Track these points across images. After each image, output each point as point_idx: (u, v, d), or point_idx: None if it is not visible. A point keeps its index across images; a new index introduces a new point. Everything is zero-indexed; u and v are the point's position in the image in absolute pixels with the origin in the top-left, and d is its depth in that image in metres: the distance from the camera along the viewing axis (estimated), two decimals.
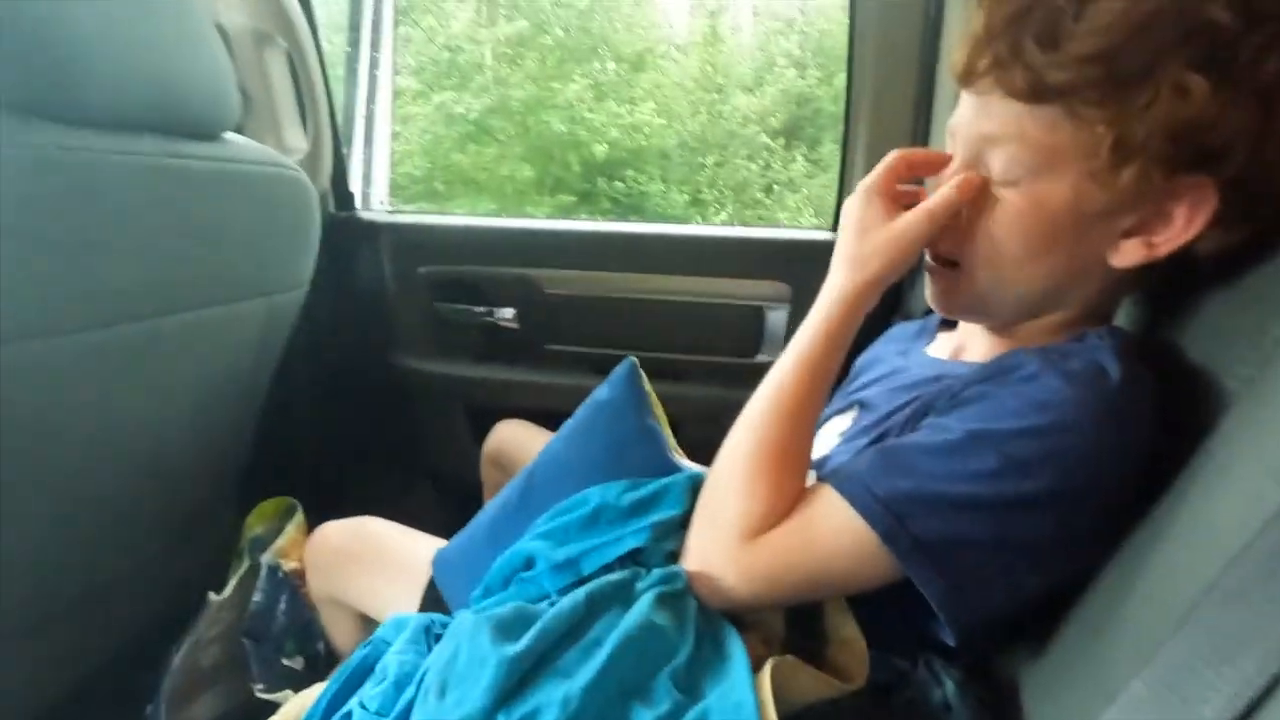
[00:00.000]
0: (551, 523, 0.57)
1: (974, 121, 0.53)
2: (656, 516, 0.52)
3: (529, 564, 0.55)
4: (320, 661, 0.96)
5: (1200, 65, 0.44)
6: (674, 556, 0.53)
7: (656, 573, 0.49)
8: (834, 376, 0.56)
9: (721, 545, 0.50)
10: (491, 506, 0.72)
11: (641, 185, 8.15)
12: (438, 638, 0.53)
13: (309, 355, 1.16)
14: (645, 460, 0.61)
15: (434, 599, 0.77)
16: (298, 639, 0.97)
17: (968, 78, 0.52)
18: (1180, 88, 0.44)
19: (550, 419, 1.19)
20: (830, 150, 6.85)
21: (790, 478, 0.52)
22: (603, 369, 1.49)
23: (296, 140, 1.22)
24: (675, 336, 1.29)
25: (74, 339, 0.61)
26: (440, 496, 1.37)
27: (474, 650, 0.44)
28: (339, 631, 0.94)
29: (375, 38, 1.60)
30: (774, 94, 8.18)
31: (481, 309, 1.32)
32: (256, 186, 0.81)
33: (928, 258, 0.59)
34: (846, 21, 1.16)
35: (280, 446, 1.16)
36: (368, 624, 0.90)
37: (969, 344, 0.66)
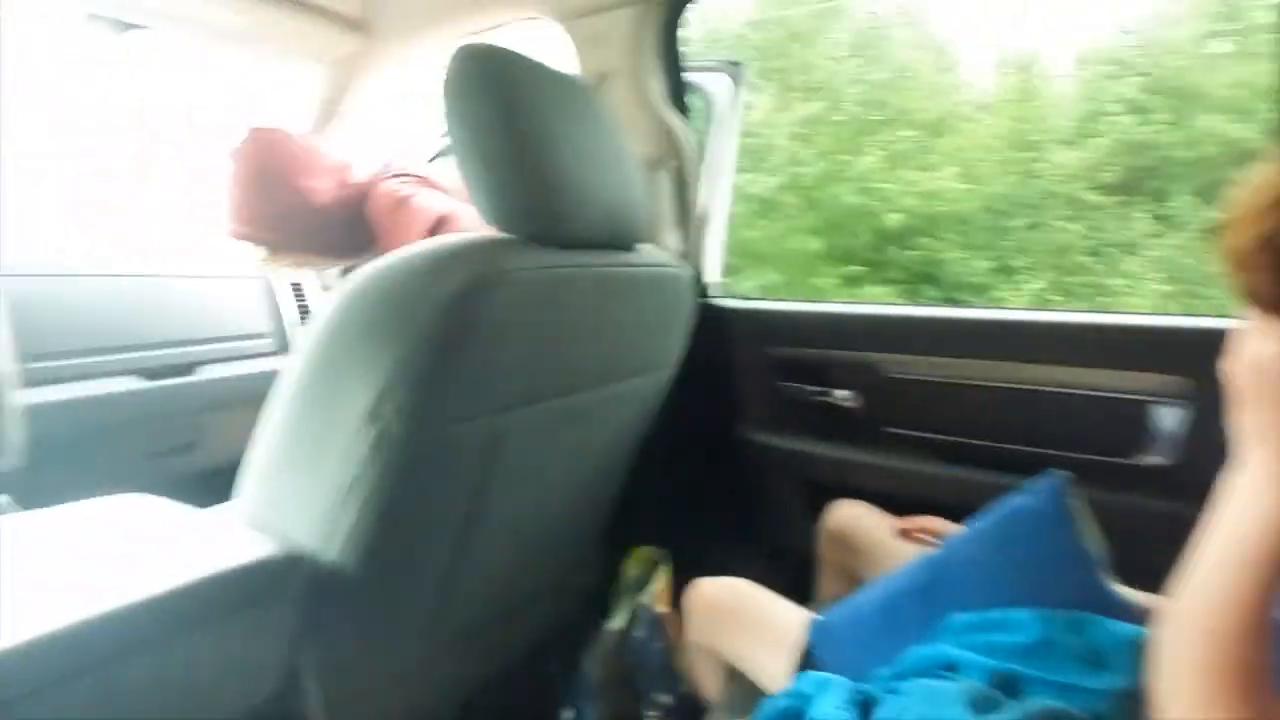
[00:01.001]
0: (979, 635, 0.58)
1: None
2: (1112, 682, 0.50)
3: (950, 666, 0.58)
4: (684, 701, 1.08)
5: None
6: None
7: None
8: None
9: None
10: (883, 589, 0.76)
11: (937, 252, 7.66)
12: (863, 703, 0.59)
13: (667, 423, 1.31)
14: (1078, 587, 0.59)
15: (806, 661, 0.83)
16: (665, 677, 1.10)
17: None
18: None
19: (888, 501, 1.20)
20: (1182, 205, 5.74)
21: (1263, 694, 0.44)
22: (944, 455, 1.46)
23: (673, 240, 1.44)
24: (1033, 428, 1.21)
25: (546, 405, 0.79)
26: (773, 563, 1.43)
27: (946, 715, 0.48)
28: (706, 675, 1.05)
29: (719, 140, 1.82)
30: (1103, 145, 7.12)
31: (821, 389, 1.37)
32: (660, 285, 0.96)
33: None
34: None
35: (640, 501, 1.31)
36: (732, 673, 0.99)
37: None
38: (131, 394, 1.25)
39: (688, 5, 1.07)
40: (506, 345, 0.67)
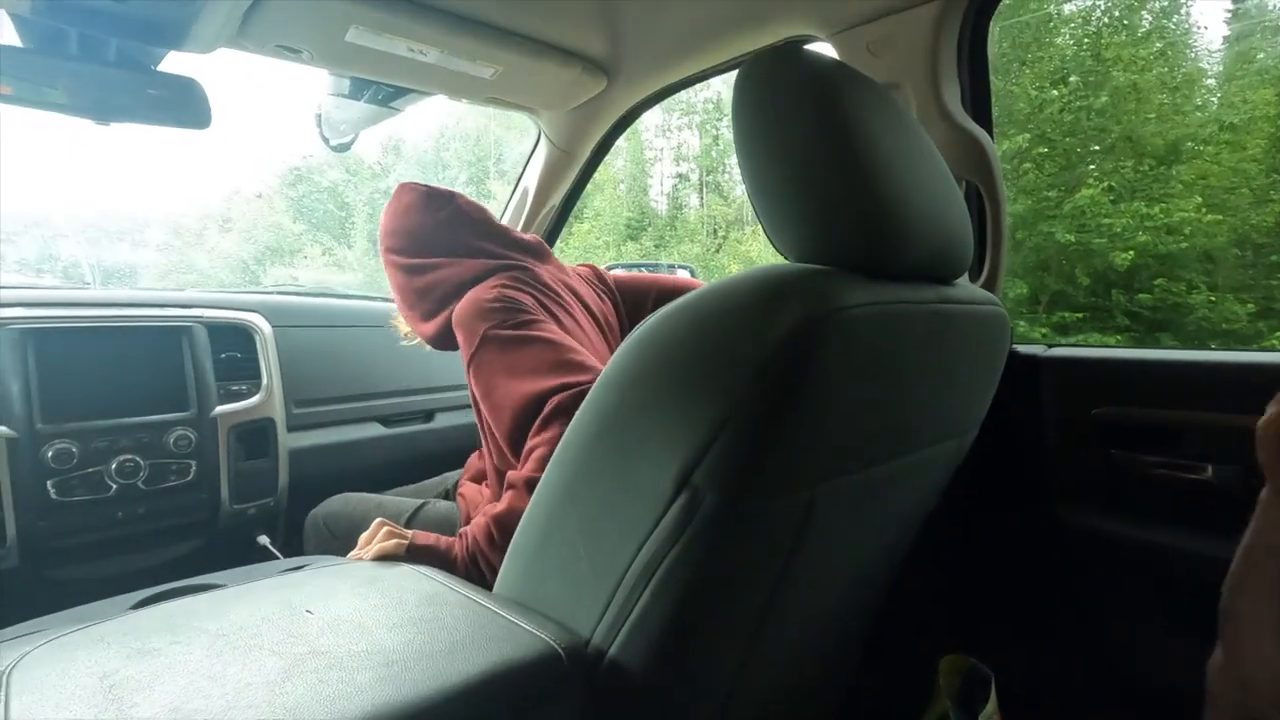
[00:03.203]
0: None
1: None
2: None
3: None
4: None
5: None
6: None
7: None
8: None
9: None
10: None
11: (1177, 295, 6.59)
12: None
13: (962, 499, 1.09)
14: None
15: None
16: None
17: None
18: None
19: None
20: None
21: None
22: None
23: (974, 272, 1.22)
24: None
25: (865, 471, 0.64)
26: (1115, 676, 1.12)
27: None
28: None
29: None
30: None
31: (1167, 459, 1.05)
32: (980, 326, 0.79)
33: None
34: None
35: (929, 596, 1.09)
36: None
37: None
38: (373, 440, 1.29)
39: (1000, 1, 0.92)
40: (840, 397, 0.54)
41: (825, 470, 0.57)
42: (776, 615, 0.64)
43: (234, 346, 1.14)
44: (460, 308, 0.87)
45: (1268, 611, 0.46)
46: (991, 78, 0.98)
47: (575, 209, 1.56)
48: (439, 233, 0.93)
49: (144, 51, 0.93)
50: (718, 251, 10.73)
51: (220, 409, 1.08)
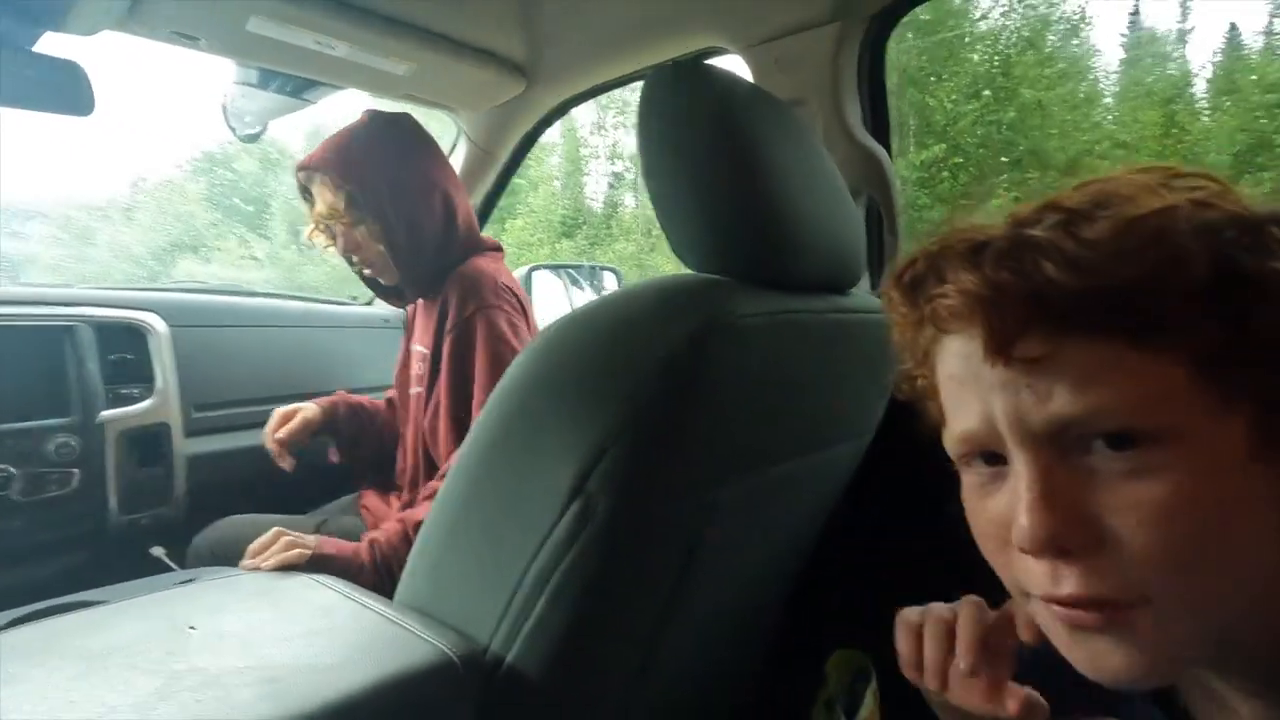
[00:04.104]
0: None
1: None
2: None
3: None
4: None
5: None
6: None
7: None
8: None
9: None
10: None
11: None
12: None
13: (857, 501, 1.15)
14: None
15: None
16: None
17: None
18: None
19: None
20: None
21: None
22: None
23: (864, 281, 1.28)
24: None
25: (761, 475, 0.66)
26: None
27: None
28: None
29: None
30: (1267, 182, 6.51)
31: None
32: (876, 333, 0.83)
33: None
34: None
35: (832, 594, 1.14)
36: None
37: None
38: None
39: (898, 20, 0.96)
40: (735, 404, 0.56)
41: (722, 475, 0.59)
42: (679, 617, 0.65)
43: (124, 347, 1.07)
44: (476, 267, 0.92)
45: None
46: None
47: (508, 205, 1.54)
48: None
49: (20, 31, 0.87)
50: (652, 251, 10.80)
51: (107, 414, 1.02)
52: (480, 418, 0.55)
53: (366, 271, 0.97)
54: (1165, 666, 0.30)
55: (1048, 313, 0.28)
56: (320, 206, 0.93)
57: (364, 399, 1.10)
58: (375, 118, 0.93)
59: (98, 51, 0.92)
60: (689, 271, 0.60)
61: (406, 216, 0.90)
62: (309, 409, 1.00)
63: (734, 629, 0.85)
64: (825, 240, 0.63)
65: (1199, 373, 0.27)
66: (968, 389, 0.31)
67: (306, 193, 0.96)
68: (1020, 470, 0.30)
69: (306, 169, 0.92)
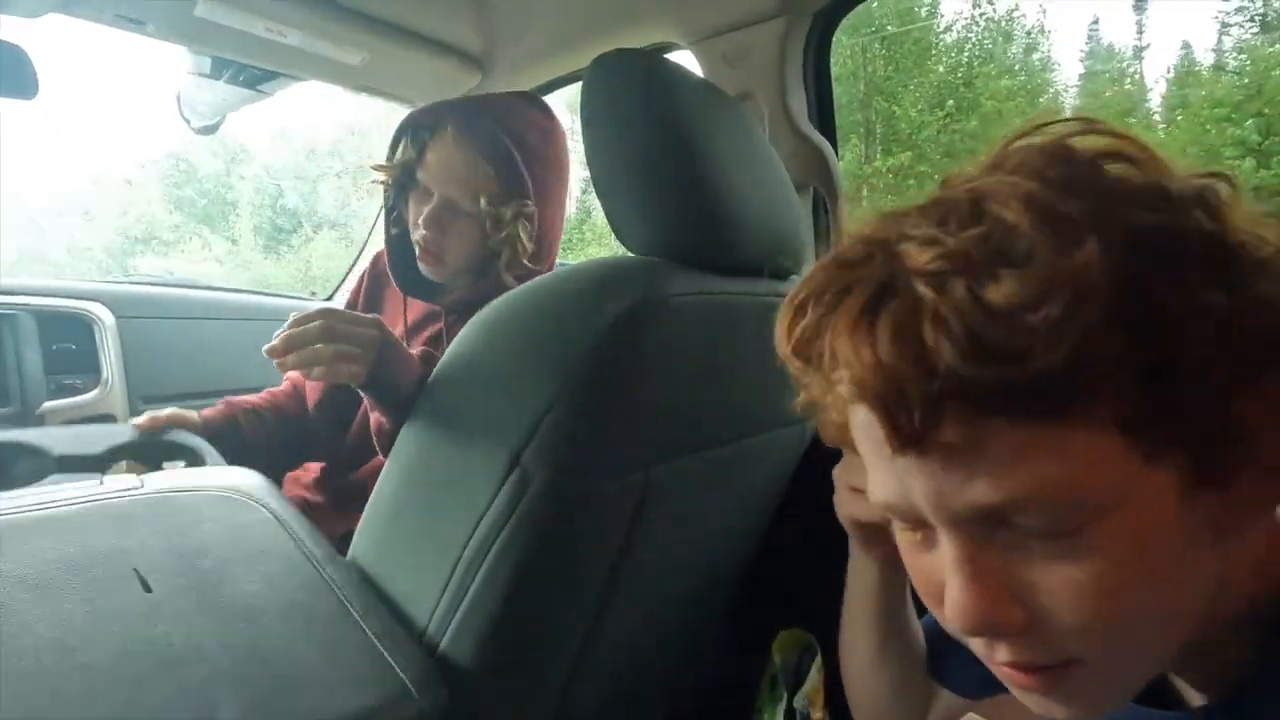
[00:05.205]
0: None
1: None
2: None
3: None
4: None
5: None
6: None
7: None
8: None
9: None
10: None
11: None
12: None
13: (805, 483, 1.18)
14: None
15: None
16: None
17: None
18: None
19: None
20: None
21: None
22: None
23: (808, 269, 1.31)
24: None
25: (701, 455, 0.67)
26: None
27: None
28: None
29: None
30: None
31: None
32: None
33: None
34: None
35: (778, 574, 1.16)
36: None
37: None
38: None
39: (843, 16, 0.99)
40: (668, 383, 0.57)
41: (658, 453, 0.60)
42: (621, 597, 0.66)
43: (69, 338, 1.05)
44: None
45: None
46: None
47: None
48: None
49: None
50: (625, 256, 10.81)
51: (49, 404, 0.99)
52: (426, 387, 0.55)
53: (430, 249, 0.81)
54: (1116, 702, 0.30)
55: (961, 400, 0.25)
56: (461, 170, 0.79)
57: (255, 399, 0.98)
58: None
59: (68, 46, 0.90)
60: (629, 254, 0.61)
61: (548, 222, 0.84)
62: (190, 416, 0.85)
63: (680, 612, 0.86)
64: (764, 224, 0.64)
65: (1124, 434, 0.25)
66: (882, 467, 0.29)
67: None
68: (946, 547, 0.28)
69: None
